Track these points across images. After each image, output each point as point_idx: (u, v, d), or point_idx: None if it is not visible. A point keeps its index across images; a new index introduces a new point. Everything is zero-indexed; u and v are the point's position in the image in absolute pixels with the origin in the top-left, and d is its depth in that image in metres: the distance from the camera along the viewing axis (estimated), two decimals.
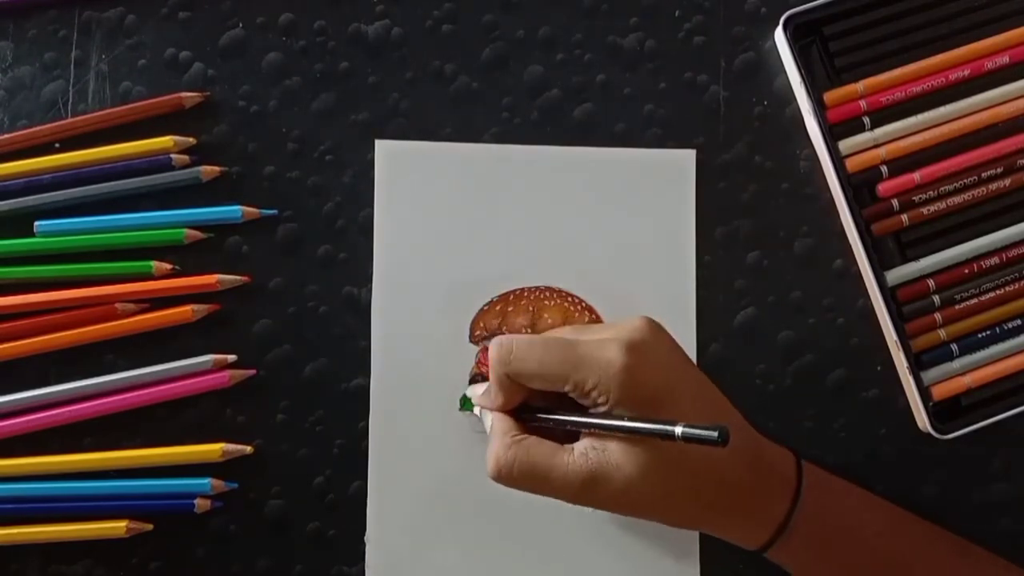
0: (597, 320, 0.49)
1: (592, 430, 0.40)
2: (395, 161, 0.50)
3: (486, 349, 0.49)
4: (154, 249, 0.49)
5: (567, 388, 0.40)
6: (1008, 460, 0.49)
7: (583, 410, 0.41)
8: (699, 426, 0.35)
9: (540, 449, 0.40)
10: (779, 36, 0.50)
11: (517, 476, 0.40)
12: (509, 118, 0.50)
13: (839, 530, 0.43)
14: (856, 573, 0.43)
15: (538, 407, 0.43)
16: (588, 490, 0.39)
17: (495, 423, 0.42)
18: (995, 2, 0.50)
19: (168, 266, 0.49)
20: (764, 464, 0.42)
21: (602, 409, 0.40)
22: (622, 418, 0.39)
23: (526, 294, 0.49)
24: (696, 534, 0.48)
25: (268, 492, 0.48)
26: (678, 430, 0.35)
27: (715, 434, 0.34)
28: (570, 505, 0.43)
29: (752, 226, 0.50)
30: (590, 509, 0.42)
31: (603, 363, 0.39)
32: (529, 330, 0.49)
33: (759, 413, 0.49)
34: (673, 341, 0.41)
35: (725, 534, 0.43)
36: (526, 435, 0.41)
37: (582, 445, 0.40)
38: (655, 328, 0.41)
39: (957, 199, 0.49)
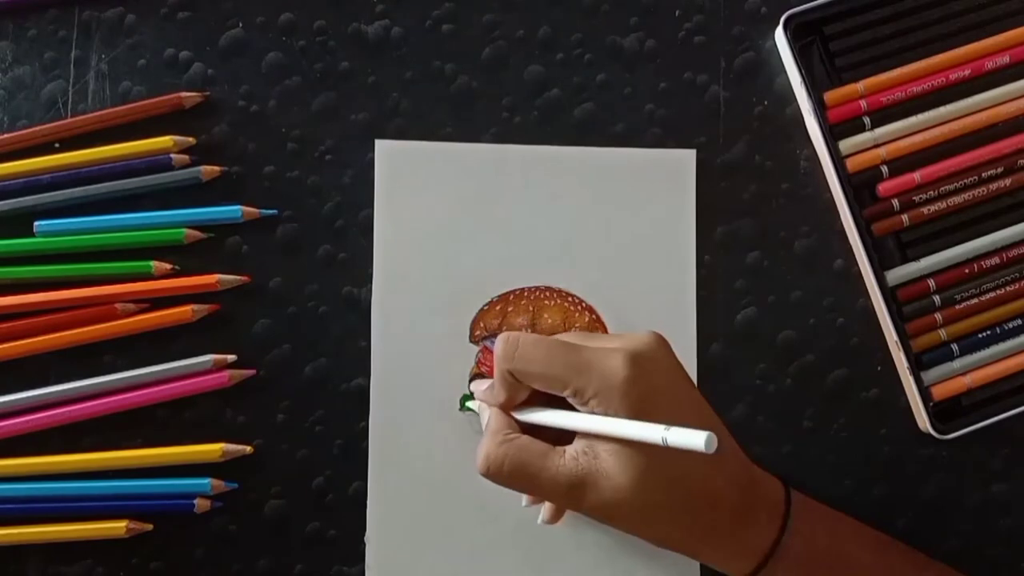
0: (597, 320, 0.49)
1: (584, 434, 0.39)
2: (395, 161, 0.50)
3: (486, 349, 0.49)
4: (154, 249, 0.49)
5: (567, 393, 0.39)
6: (1008, 460, 0.49)
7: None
8: (687, 429, 0.34)
9: (531, 448, 0.39)
10: (779, 36, 0.50)
11: (506, 474, 0.39)
12: (509, 118, 0.50)
13: (826, 560, 0.42)
14: None
15: (537, 408, 0.42)
16: (575, 495, 0.38)
17: (490, 420, 0.42)
18: (995, 2, 0.50)
19: (168, 266, 0.49)
20: (755, 490, 0.41)
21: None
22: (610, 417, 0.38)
23: (526, 294, 0.49)
24: None
25: (268, 492, 0.48)
26: (664, 431, 0.34)
27: (701, 438, 0.33)
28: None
29: (752, 226, 0.50)
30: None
31: (606, 372, 0.38)
32: (529, 330, 0.49)
33: (759, 413, 0.49)
34: (677, 360, 0.41)
35: (711, 560, 0.42)
36: (519, 434, 0.40)
37: (573, 449, 0.39)
38: (662, 344, 0.40)
39: (957, 199, 0.49)
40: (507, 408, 0.42)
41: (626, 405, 0.38)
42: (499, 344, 0.41)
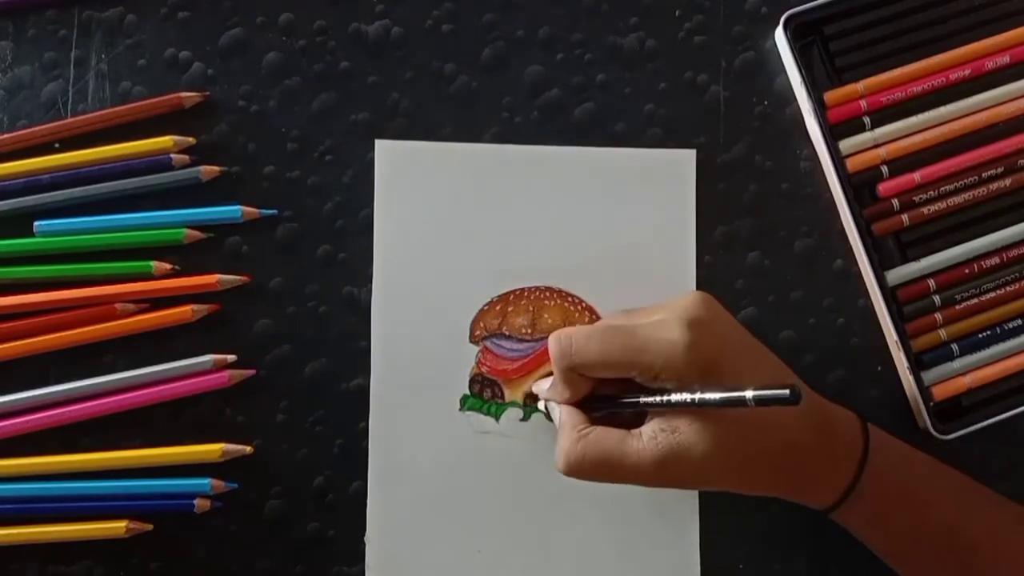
0: (597, 320, 0.49)
1: (658, 411, 0.39)
2: (395, 161, 0.50)
3: (486, 349, 0.49)
4: (154, 249, 0.49)
5: (634, 374, 0.39)
6: (1008, 460, 0.49)
7: (648, 392, 0.41)
8: (770, 387, 0.35)
9: (609, 438, 0.40)
10: (779, 36, 0.50)
11: (588, 468, 0.40)
12: (509, 118, 0.50)
13: (904, 495, 0.43)
14: (919, 538, 0.43)
15: (606, 395, 0.42)
16: (662, 471, 0.39)
17: (563, 418, 0.42)
18: (995, 2, 0.50)
19: (168, 266, 0.49)
20: (831, 427, 0.42)
21: (670, 389, 0.39)
22: (691, 392, 0.38)
23: (526, 294, 0.49)
24: (696, 532, 0.48)
25: (268, 492, 0.48)
26: (749, 394, 0.35)
27: (787, 393, 0.34)
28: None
29: (752, 226, 0.50)
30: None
31: (666, 344, 0.38)
32: (529, 330, 0.49)
33: None
34: (727, 312, 0.41)
35: (796, 496, 0.43)
36: (593, 427, 0.40)
37: (649, 429, 0.39)
38: (710, 301, 0.41)
39: (957, 199, 0.49)
40: (574, 402, 0.42)
41: (693, 370, 0.38)
42: (552, 344, 0.41)
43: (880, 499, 0.42)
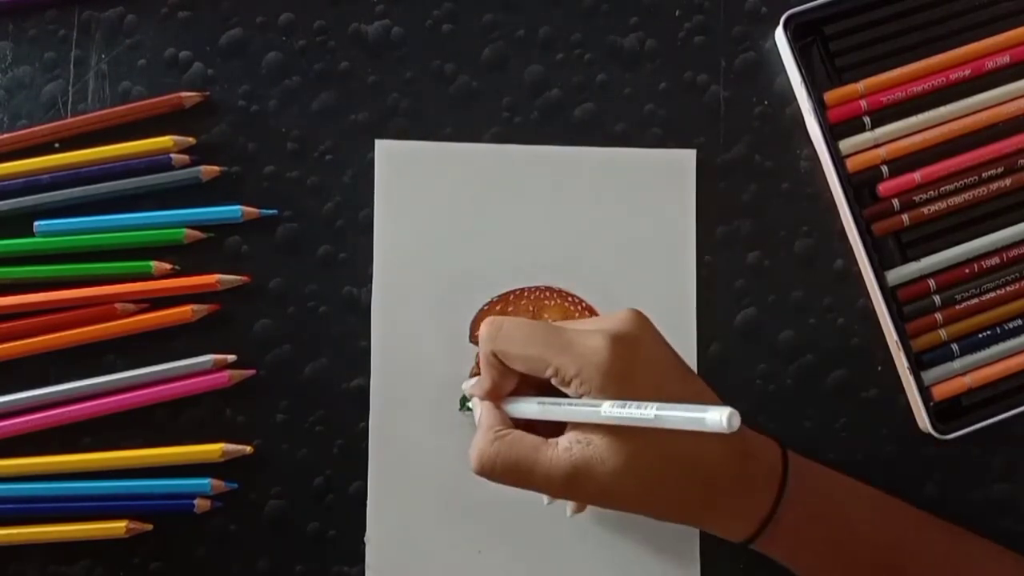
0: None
1: (577, 423, 0.39)
2: (395, 161, 0.50)
3: None
4: (154, 249, 0.49)
5: (548, 373, 0.39)
6: (1008, 460, 0.49)
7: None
8: (681, 411, 0.34)
9: (524, 443, 0.39)
10: (779, 36, 0.50)
11: (500, 471, 0.39)
12: (509, 118, 0.50)
13: (827, 519, 0.42)
14: (845, 562, 0.43)
15: (529, 400, 0.42)
16: (571, 485, 0.38)
17: (482, 417, 0.42)
18: (995, 2, 0.50)
19: (168, 266, 0.49)
20: (750, 455, 0.41)
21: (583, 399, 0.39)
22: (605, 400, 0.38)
23: (526, 294, 0.49)
24: (697, 533, 0.48)
25: (268, 492, 0.48)
26: (659, 412, 0.34)
27: (717, 415, 0.32)
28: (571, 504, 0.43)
29: (752, 226, 0.50)
30: (588, 508, 0.42)
31: (587, 351, 0.38)
32: None
33: (759, 413, 0.49)
34: (659, 335, 0.41)
35: (711, 527, 0.42)
36: (510, 429, 0.40)
37: (566, 439, 0.39)
38: (642, 320, 0.40)
39: (957, 199, 0.49)
40: (495, 398, 0.42)
41: (609, 383, 0.38)
42: (483, 326, 0.41)
43: (801, 526, 0.41)
